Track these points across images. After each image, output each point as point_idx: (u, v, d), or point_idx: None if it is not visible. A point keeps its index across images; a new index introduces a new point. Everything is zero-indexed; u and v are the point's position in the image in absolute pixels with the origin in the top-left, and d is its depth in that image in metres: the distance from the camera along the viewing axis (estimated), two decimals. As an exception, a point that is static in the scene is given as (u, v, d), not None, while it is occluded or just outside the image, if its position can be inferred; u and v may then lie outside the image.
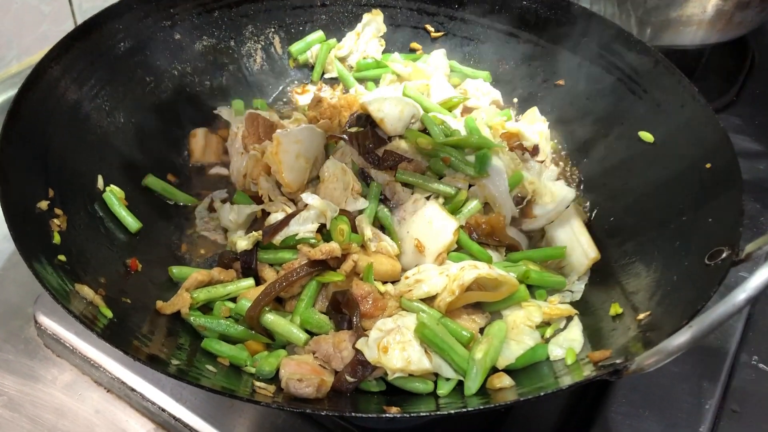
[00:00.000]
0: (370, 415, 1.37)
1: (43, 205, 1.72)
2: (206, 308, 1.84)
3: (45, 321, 2.00)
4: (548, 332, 1.81)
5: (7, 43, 2.59)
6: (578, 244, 1.99)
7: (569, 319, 1.84)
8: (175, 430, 1.85)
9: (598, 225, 2.13)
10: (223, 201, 2.16)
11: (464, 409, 1.35)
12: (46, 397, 1.93)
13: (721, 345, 2.06)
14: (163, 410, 1.84)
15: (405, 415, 1.36)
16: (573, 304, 1.92)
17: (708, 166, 1.86)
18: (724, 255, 1.59)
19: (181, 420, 1.82)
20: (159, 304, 1.75)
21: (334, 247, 1.76)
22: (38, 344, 2.04)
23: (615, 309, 1.77)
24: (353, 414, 1.36)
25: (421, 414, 1.38)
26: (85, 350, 1.94)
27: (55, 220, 1.72)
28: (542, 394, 1.38)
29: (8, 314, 2.10)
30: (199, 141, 2.32)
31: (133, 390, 1.88)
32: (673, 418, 1.89)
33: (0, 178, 1.62)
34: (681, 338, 1.24)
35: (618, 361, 1.41)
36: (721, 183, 1.80)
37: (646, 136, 2.11)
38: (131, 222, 1.96)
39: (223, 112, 2.45)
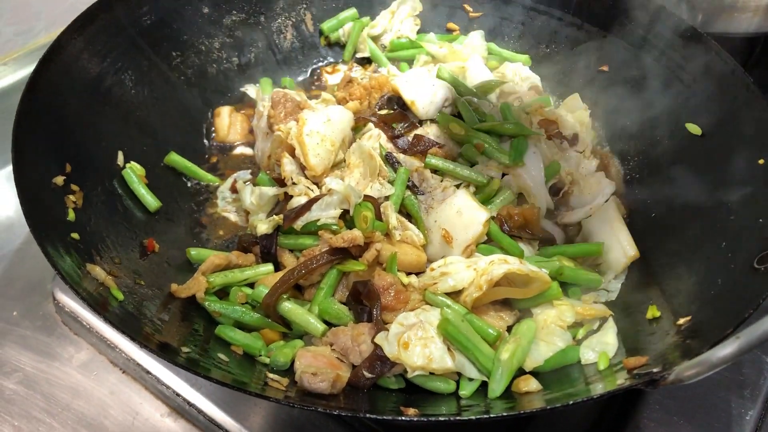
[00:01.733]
0: (385, 417, 1.29)
1: (59, 180, 1.67)
2: (223, 293, 1.78)
3: (63, 298, 1.98)
4: (580, 333, 1.72)
5: (35, 15, 2.57)
6: (617, 241, 1.88)
7: (603, 320, 1.75)
8: (188, 415, 1.82)
9: (638, 221, 2.02)
10: (247, 182, 2.10)
11: (486, 416, 1.26)
12: (61, 376, 1.91)
13: (765, 352, 1.94)
14: (178, 395, 1.81)
15: (423, 419, 1.29)
16: (608, 304, 1.82)
17: (761, 162, 1.74)
18: (776, 259, 1.48)
19: (195, 405, 1.79)
20: (174, 287, 1.70)
21: (356, 235, 1.68)
22: (56, 321, 2.02)
23: (652, 312, 1.67)
24: (367, 415, 1.29)
25: (440, 419, 1.30)
26: (102, 330, 1.92)
27: (71, 197, 1.68)
28: (571, 402, 1.29)
29: (27, 290, 2.08)
30: (224, 120, 2.27)
31: (148, 372, 1.85)
32: (710, 428, 1.79)
33: (15, 152, 1.58)
34: (726, 350, 1.15)
35: (655, 370, 1.32)
36: (774, 180, 1.68)
37: (694, 128, 1.98)
38: (151, 201, 1.92)
39: (250, 90, 2.40)
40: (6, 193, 2.31)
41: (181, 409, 1.83)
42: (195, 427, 1.82)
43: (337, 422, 1.75)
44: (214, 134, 2.29)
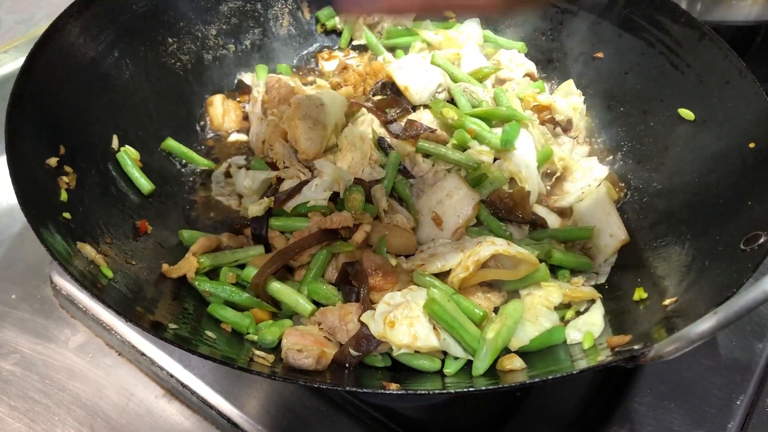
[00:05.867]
0: (365, 390, 1.30)
1: (53, 161, 1.69)
2: (215, 274, 1.79)
3: (60, 282, 2.01)
4: (569, 315, 1.73)
5: (36, 3, 2.59)
6: (607, 225, 1.89)
7: (591, 302, 1.75)
8: (182, 396, 1.84)
9: (629, 205, 2.03)
10: (241, 167, 2.12)
11: (467, 389, 1.27)
12: (58, 357, 1.92)
13: (757, 337, 1.94)
14: (172, 376, 1.83)
15: (403, 392, 1.30)
16: (597, 286, 1.83)
17: (752, 145, 1.74)
18: (761, 240, 1.49)
19: (188, 387, 1.81)
20: (165, 267, 1.72)
21: (345, 217, 1.70)
22: (53, 304, 2.04)
23: (639, 294, 1.68)
24: (348, 388, 1.30)
25: (419, 392, 1.31)
26: (98, 312, 1.94)
27: (64, 178, 1.70)
28: (551, 377, 1.29)
29: (26, 273, 2.10)
30: (217, 108, 2.28)
31: (142, 354, 1.87)
32: (701, 413, 1.79)
33: (8, 133, 1.60)
34: (704, 325, 1.16)
35: (636, 347, 1.32)
36: (764, 164, 1.68)
37: (687, 113, 1.98)
38: (144, 183, 1.94)
39: (246, 77, 2.40)
40: (8, 179, 2.33)
41: (175, 390, 1.84)
42: (188, 408, 1.83)
43: (328, 403, 1.76)
44: (209, 123, 2.31)
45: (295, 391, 1.79)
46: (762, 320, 1.96)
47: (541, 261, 1.74)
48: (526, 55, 2.50)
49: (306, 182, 1.81)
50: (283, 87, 2.13)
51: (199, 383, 1.80)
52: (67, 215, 1.62)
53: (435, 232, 1.83)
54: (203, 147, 2.25)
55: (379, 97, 2.15)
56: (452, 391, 1.26)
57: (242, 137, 2.28)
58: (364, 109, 2.08)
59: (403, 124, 2.03)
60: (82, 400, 1.83)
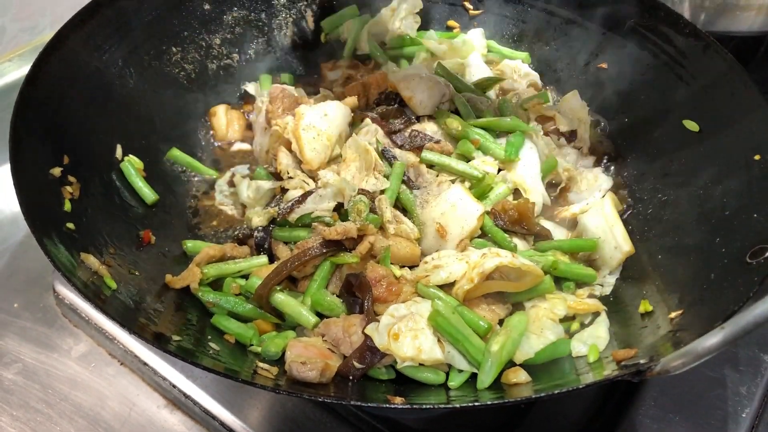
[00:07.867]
0: (370, 404, 1.29)
1: (56, 171, 1.69)
2: (219, 285, 1.79)
3: (63, 291, 2.01)
4: (574, 327, 1.72)
5: (40, 11, 2.59)
6: (612, 237, 1.88)
7: (596, 314, 1.74)
8: (185, 407, 1.83)
9: (634, 216, 2.02)
10: (245, 176, 2.11)
11: (472, 404, 1.27)
12: (60, 367, 1.92)
13: (763, 350, 1.93)
14: (174, 386, 1.82)
15: (407, 406, 1.29)
16: (602, 298, 1.82)
17: (757, 157, 1.73)
18: (767, 254, 1.47)
19: (191, 397, 1.80)
20: (168, 278, 1.72)
21: (349, 227, 1.69)
22: (56, 313, 2.04)
23: (645, 306, 1.67)
24: (352, 402, 1.29)
25: (424, 406, 1.31)
26: (101, 322, 1.94)
27: (68, 188, 1.70)
28: (556, 392, 1.29)
29: (28, 282, 2.10)
30: (220, 119, 2.27)
31: (145, 364, 1.86)
32: (706, 426, 1.78)
33: (12, 143, 1.60)
34: (711, 340, 1.15)
35: (642, 361, 1.31)
36: (770, 176, 1.68)
37: (692, 125, 1.97)
38: (148, 193, 1.93)
39: (250, 87, 2.41)
40: (11, 188, 2.33)
41: (177, 400, 1.84)
42: (191, 419, 1.82)
43: (331, 414, 1.75)
44: (212, 133, 2.31)
45: (298, 402, 1.78)
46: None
47: (545, 273, 1.74)
48: (531, 66, 2.50)
49: (310, 193, 1.80)
50: (287, 97, 2.13)
51: (202, 394, 1.79)
52: (70, 225, 1.61)
53: (439, 243, 1.82)
54: (207, 156, 2.25)
55: (383, 108, 2.15)
56: (457, 405, 1.25)
57: (246, 147, 2.28)
58: (368, 120, 2.08)
59: (407, 134, 2.03)
60: (84, 409, 1.83)
